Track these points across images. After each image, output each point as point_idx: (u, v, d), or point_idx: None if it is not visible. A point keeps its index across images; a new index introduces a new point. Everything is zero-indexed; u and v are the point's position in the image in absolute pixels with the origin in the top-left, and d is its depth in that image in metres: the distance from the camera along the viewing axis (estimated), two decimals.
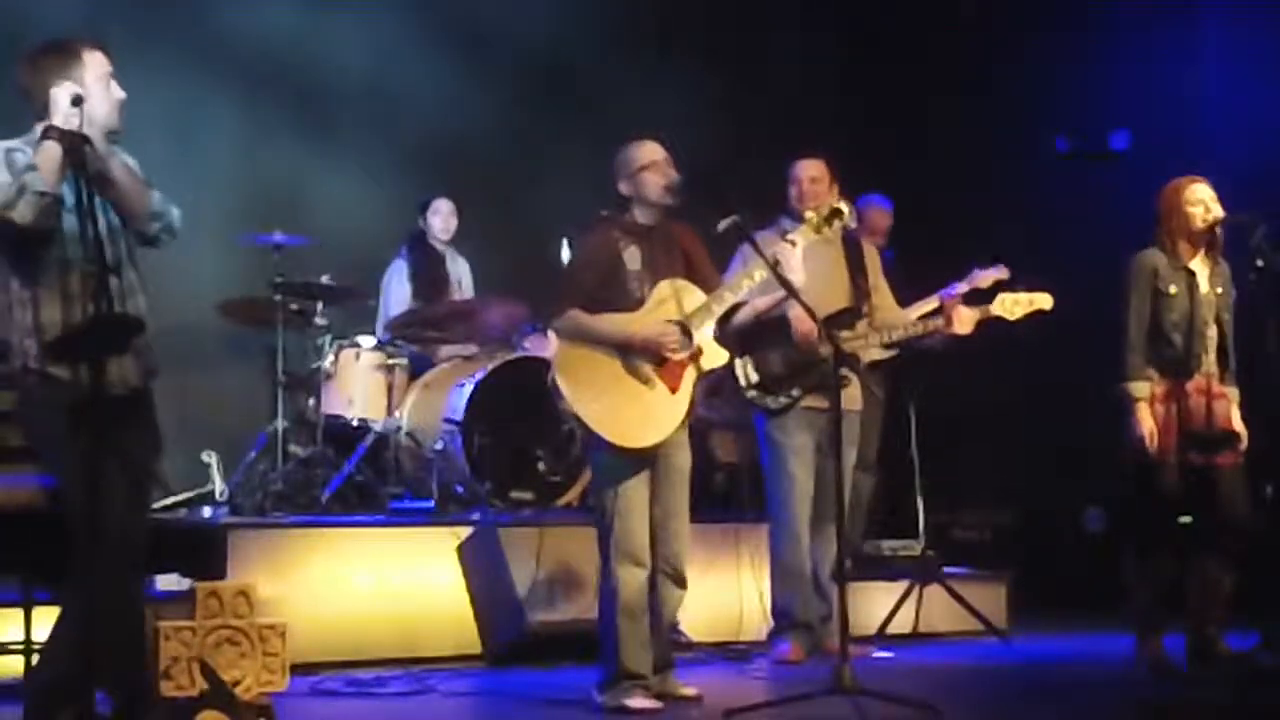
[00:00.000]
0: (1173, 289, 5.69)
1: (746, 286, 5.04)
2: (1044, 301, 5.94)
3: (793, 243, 5.04)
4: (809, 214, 5.20)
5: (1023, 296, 5.92)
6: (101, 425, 3.89)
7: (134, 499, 4.17)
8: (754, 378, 6.04)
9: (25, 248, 4.09)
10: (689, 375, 4.97)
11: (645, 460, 4.94)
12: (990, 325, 5.95)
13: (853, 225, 5.23)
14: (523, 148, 8.76)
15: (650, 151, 5.07)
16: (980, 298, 6.23)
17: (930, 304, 6.74)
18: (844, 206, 5.17)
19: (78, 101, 4.07)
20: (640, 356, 4.93)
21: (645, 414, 4.93)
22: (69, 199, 4.08)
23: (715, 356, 5.03)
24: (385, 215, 8.26)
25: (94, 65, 4.20)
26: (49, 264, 4.11)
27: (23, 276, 4.13)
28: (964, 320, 5.88)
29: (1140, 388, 5.66)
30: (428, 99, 8.64)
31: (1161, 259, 5.73)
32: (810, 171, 6.14)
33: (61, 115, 4.06)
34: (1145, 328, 5.70)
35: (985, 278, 6.96)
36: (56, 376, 4.09)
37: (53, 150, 4.03)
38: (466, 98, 8.69)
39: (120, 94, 4.24)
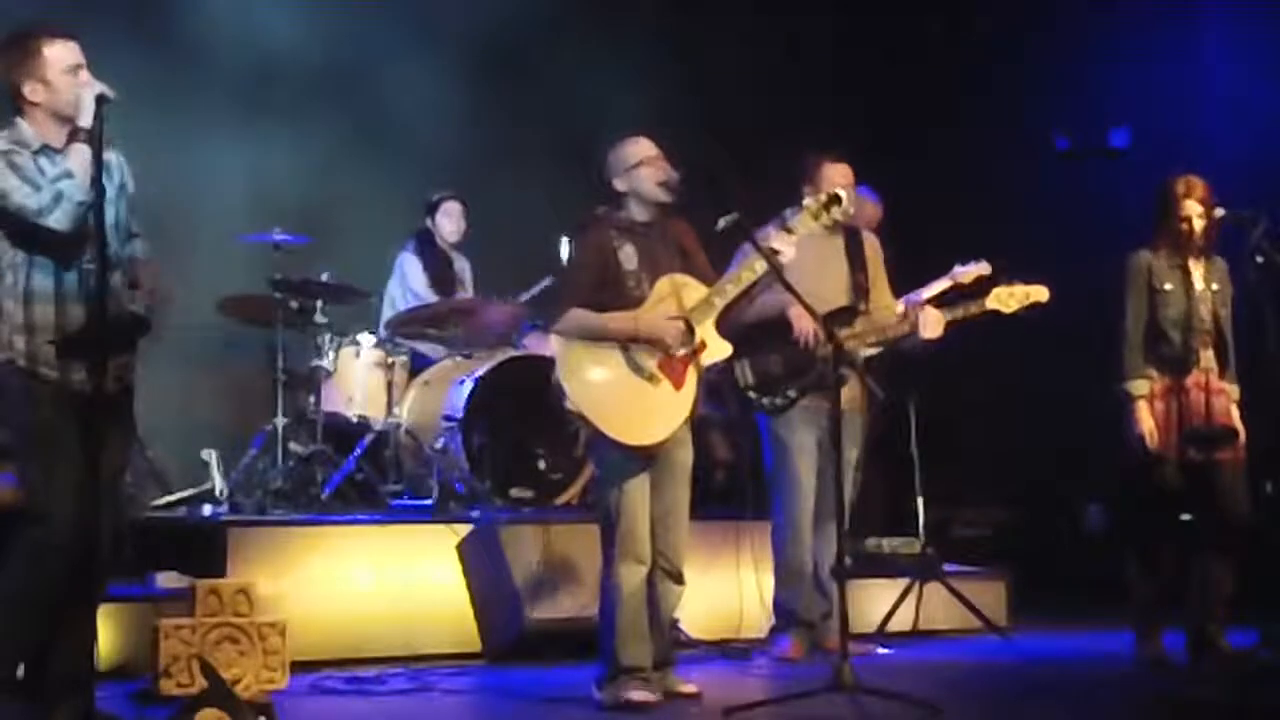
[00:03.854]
0: (1168, 286, 5.69)
1: (747, 280, 5.02)
2: (1039, 294, 5.92)
3: (791, 230, 5.02)
4: (807, 201, 5.16)
5: (1018, 289, 5.90)
6: (90, 423, 3.90)
7: (105, 499, 4.05)
8: (751, 379, 6.03)
9: (52, 252, 4.05)
10: (693, 371, 4.96)
11: (649, 457, 4.94)
12: (989, 323, 5.93)
13: (851, 213, 5.19)
14: (523, 147, 8.76)
15: (644, 147, 5.06)
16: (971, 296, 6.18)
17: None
18: (842, 193, 5.13)
19: (103, 100, 4.02)
20: (644, 352, 4.92)
21: (650, 411, 4.91)
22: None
23: (718, 349, 5.01)
24: (385, 214, 8.25)
25: (58, 57, 4.11)
26: (47, 261, 4.08)
27: (17, 272, 4.10)
28: (931, 323, 5.85)
29: (1139, 386, 5.66)
30: (428, 98, 8.63)
31: (1156, 257, 5.74)
32: (850, 178, 6.03)
33: (88, 116, 4.02)
34: (1143, 326, 5.71)
35: (966, 273, 6.93)
36: (43, 375, 4.06)
37: (86, 154, 3.99)
38: (466, 97, 8.69)
39: (96, 87, 4.07)
